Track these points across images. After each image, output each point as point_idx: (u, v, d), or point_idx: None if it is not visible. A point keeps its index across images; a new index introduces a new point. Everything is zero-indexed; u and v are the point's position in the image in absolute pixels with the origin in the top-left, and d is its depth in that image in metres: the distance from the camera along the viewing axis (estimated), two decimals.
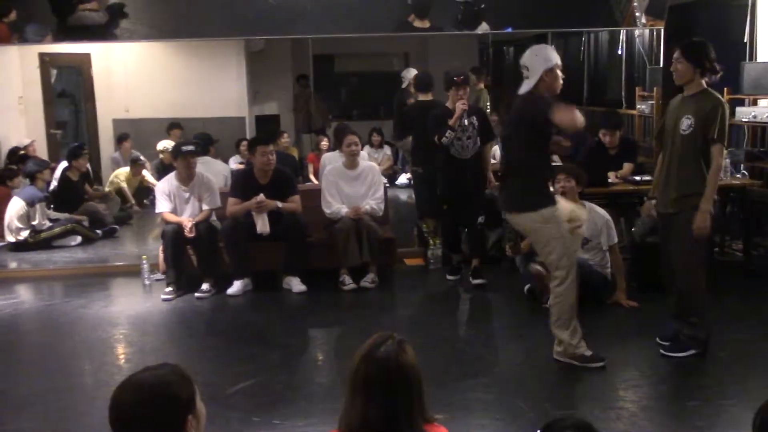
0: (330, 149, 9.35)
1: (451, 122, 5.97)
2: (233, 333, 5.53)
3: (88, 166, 9.22)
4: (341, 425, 2.09)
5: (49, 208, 8.25)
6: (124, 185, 9.66)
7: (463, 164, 6.16)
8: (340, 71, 14.27)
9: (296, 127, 12.19)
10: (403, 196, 10.11)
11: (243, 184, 6.41)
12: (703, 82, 4.42)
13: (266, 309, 6.02)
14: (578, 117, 4.25)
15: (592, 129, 6.83)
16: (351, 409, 2.06)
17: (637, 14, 7.31)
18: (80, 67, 10.78)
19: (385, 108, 12.87)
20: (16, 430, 3.98)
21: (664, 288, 4.83)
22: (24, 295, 6.63)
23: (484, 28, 7.36)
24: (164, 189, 6.44)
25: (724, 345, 4.77)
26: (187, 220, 6.27)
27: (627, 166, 6.76)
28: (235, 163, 9.43)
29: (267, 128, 10.49)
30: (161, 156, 9.89)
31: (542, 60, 4.39)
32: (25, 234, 7.83)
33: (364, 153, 7.90)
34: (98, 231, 8.39)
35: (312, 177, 9.75)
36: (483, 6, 7.07)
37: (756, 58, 7.13)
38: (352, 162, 6.64)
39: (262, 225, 6.21)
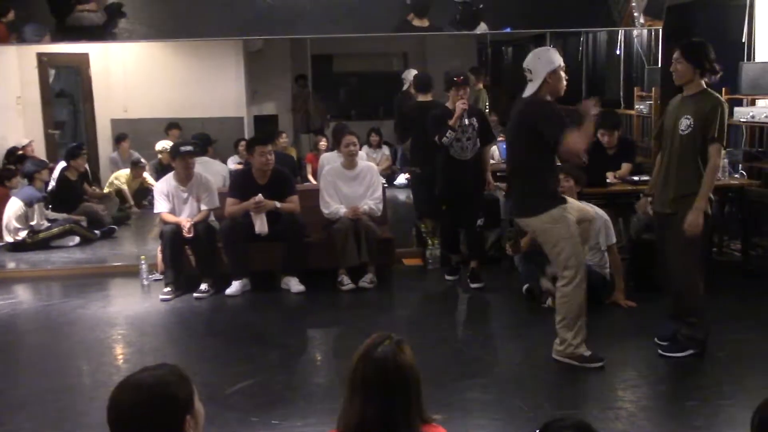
0: (328, 149, 9.35)
1: (451, 122, 5.97)
2: (232, 333, 5.53)
3: (87, 166, 9.22)
4: (339, 425, 2.09)
5: (47, 209, 8.24)
6: (124, 187, 9.65)
7: (462, 165, 6.16)
8: (338, 71, 14.28)
9: (295, 127, 12.20)
10: (402, 196, 10.12)
11: (241, 185, 6.41)
12: (703, 82, 4.43)
13: (265, 309, 6.02)
14: (584, 146, 4.31)
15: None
16: (349, 409, 2.06)
17: (635, 14, 7.32)
18: (78, 67, 10.78)
19: (384, 108, 12.88)
20: (15, 431, 3.97)
21: (661, 288, 4.84)
22: (22, 295, 6.62)
23: (482, 28, 7.37)
24: (163, 189, 6.43)
25: (723, 345, 4.77)
26: (185, 220, 6.26)
27: (625, 166, 6.77)
28: (233, 163, 9.42)
29: (265, 128, 10.50)
30: (160, 156, 9.89)
31: (545, 62, 4.40)
32: (23, 234, 7.83)
33: (363, 153, 7.90)
34: (96, 231, 8.39)
35: (310, 177, 9.76)
36: (481, 6, 7.07)
37: (754, 58, 7.14)
38: (350, 162, 6.64)
39: (261, 225, 6.21)
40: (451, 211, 6.44)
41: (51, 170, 8.80)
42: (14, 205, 7.80)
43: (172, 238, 6.22)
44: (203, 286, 6.26)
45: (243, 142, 9.03)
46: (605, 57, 10.60)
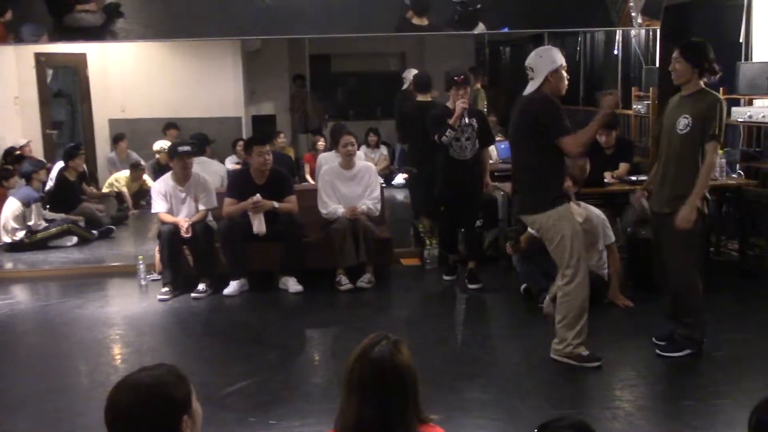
0: (326, 149, 9.35)
1: (451, 121, 5.96)
2: (230, 333, 5.53)
3: (84, 166, 9.21)
4: (337, 425, 2.09)
5: (44, 209, 8.24)
6: (124, 190, 9.63)
7: (461, 165, 6.14)
8: (336, 71, 14.28)
9: (293, 127, 12.20)
10: (400, 196, 10.12)
11: (239, 184, 6.41)
12: (702, 82, 4.43)
13: (263, 309, 6.02)
14: (582, 148, 4.33)
15: None
16: (346, 409, 2.06)
17: (633, 14, 7.32)
18: (76, 67, 10.77)
19: (382, 108, 12.89)
20: (12, 431, 3.97)
21: (659, 287, 4.84)
22: (20, 295, 6.62)
23: (480, 28, 7.37)
24: (160, 189, 6.43)
25: (720, 345, 4.78)
26: (183, 220, 6.26)
27: (623, 166, 6.77)
28: (231, 163, 9.42)
29: (263, 128, 10.50)
30: (157, 156, 9.88)
31: (547, 61, 4.40)
32: (21, 234, 7.82)
33: (361, 153, 7.90)
34: (94, 231, 8.38)
35: (308, 177, 9.76)
36: (479, 6, 7.07)
37: (752, 58, 7.14)
38: (348, 162, 6.64)
39: (259, 225, 6.20)
40: (450, 211, 6.43)
41: (48, 170, 8.79)
42: (12, 206, 7.79)
43: (170, 238, 6.22)
44: (201, 286, 6.25)
45: (241, 142, 9.02)
46: (603, 57, 10.61)
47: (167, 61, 10.88)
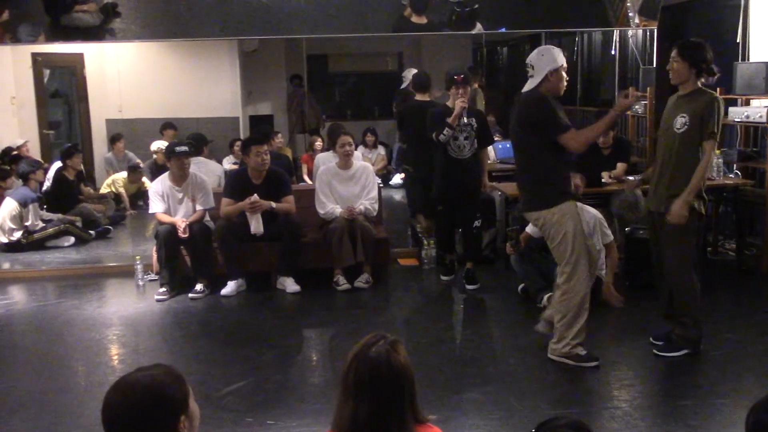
0: (324, 149, 9.35)
1: (450, 120, 5.97)
2: (227, 333, 5.52)
3: (81, 165, 9.20)
4: (333, 426, 2.09)
5: (42, 209, 8.23)
6: (122, 190, 9.62)
7: (460, 164, 6.14)
8: (333, 71, 14.27)
9: (290, 127, 12.18)
10: (397, 196, 10.12)
11: (237, 185, 6.40)
12: (699, 82, 4.43)
13: (260, 309, 6.02)
14: (582, 144, 4.35)
15: None
16: (343, 410, 2.06)
17: (630, 15, 7.34)
18: (73, 67, 10.75)
19: (380, 108, 12.89)
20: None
21: (655, 287, 4.85)
22: (17, 296, 6.60)
23: (478, 28, 7.38)
24: (158, 189, 6.43)
25: (717, 344, 4.79)
26: (180, 220, 6.26)
27: (620, 166, 6.78)
28: (228, 163, 9.41)
29: (261, 128, 10.48)
30: (155, 156, 9.87)
31: (548, 60, 4.41)
32: (18, 235, 7.81)
33: (358, 153, 7.90)
34: (91, 232, 8.37)
35: (306, 177, 9.75)
36: (476, 6, 7.08)
37: (749, 58, 7.15)
38: (345, 162, 6.64)
39: (256, 225, 6.20)
40: (448, 211, 6.42)
41: (46, 171, 8.78)
42: (9, 206, 7.78)
43: (168, 238, 6.21)
44: (198, 287, 6.25)
45: (238, 143, 9.02)
46: (600, 57, 10.61)
47: (164, 61, 10.86)
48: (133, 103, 10.82)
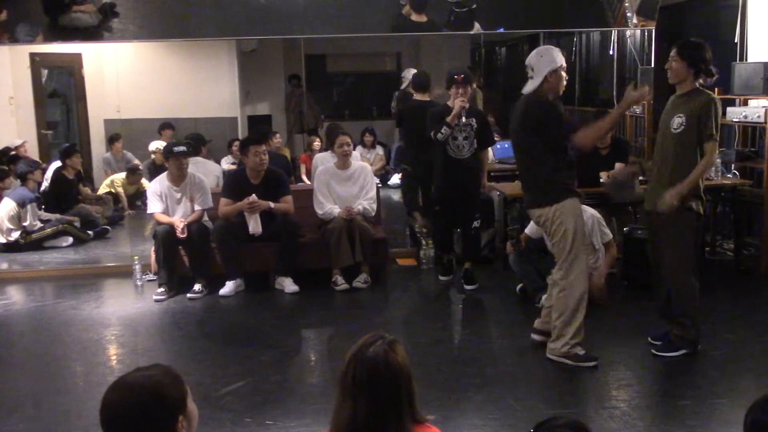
0: (322, 149, 9.34)
1: (448, 119, 5.96)
2: (225, 334, 5.52)
3: (80, 166, 9.20)
4: (332, 426, 2.09)
5: (40, 209, 8.22)
6: (120, 191, 9.61)
7: (458, 164, 6.13)
8: (332, 71, 14.26)
9: (288, 127, 12.17)
10: (396, 196, 10.10)
11: (235, 185, 6.40)
12: (697, 83, 4.43)
13: (258, 310, 6.01)
14: (592, 141, 4.36)
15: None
16: (340, 409, 2.05)
17: (628, 15, 7.34)
18: (71, 67, 10.73)
19: (378, 108, 12.88)
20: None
21: (653, 287, 4.85)
22: (15, 296, 6.60)
23: (476, 28, 7.37)
24: (156, 189, 6.42)
25: (716, 344, 4.79)
26: (178, 220, 6.25)
27: (618, 166, 6.76)
28: (227, 163, 9.40)
29: (259, 128, 10.47)
30: (153, 156, 9.86)
31: (547, 61, 4.42)
32: (16, 235, 7.80)
33: (357, 153, 7.89)
34: (90, 232, 8.37)
35: (304, 177, 9.74)
36: (474, 6, 7.08)
37: (747, 58, 7.15)
38: (344, 162, 6.64)
39: (255, 225, 6.20)
40: (447, 211, 6.41)
41: (44, 171, 8.77)
42: (7, 206, 7.78)
43: (166, 238, 6.21)
44: (197, 287, 6.25)
45: (237, 143, 9.01)
46: (598, 57, 10.62)
47: (163, 61, 10.85)
48: (131, 103, 10.79)
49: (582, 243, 4.46)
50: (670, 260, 4.54)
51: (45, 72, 10.41)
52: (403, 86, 8.67)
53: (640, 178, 5.87)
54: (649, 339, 4.78)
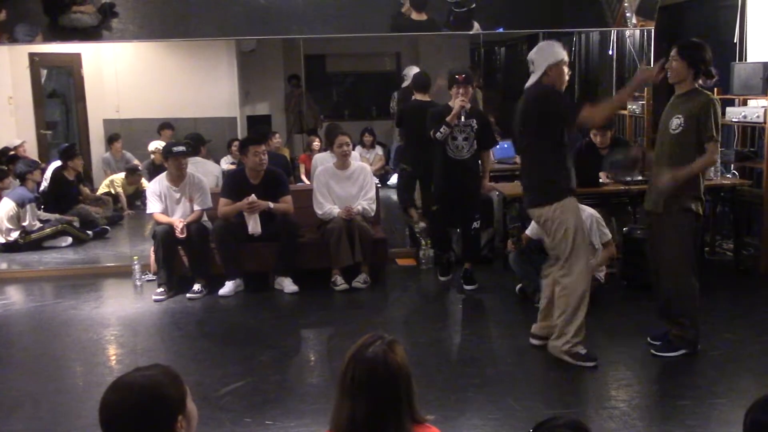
0: (321, 150, 9.34)
1: (448, 119, 5.96)
2: (225, 334, 5.52)
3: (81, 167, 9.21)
4: (331, 426, 2.09)
5: (39, 209, 8.22)
6: (120, 191, 9.61)
7: (458, 164, 6.11)
8: (331, 71, 14.26)
9: (288, 127, 12.17)
10: (395, 196, 10.08)
11: (234, 185, 6.40)
12: (697, 84, 4.43)
13: (258, 310, 6.01)
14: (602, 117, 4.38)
15: (582, 129, 6.85)
16: (340, 410, 2.05)
17: (627, 15, 7.34)
18: (71, 67, 10.73)
19: (377, 108, 12.87)
20: None
21: (652, 287, 4.85)
22: (14, 296, 6.60)
23: (476, 28, 7.37)
24: (155, 189, 6.42)
25: (715, 344, 4.79)
26: (178, 220, 6.25)
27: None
28: (226, 163, 9.40)
29: (258, 128, 10.47)
30: (152, 156, 9.86)
31: (547, 55, 4.43)
32: (15, 235, 7.80)
33: (356, 153, 7.89)
34: (89, 232, 8.37)
35: (303, 177, 9.74)
36: (473, 6, 7.07)
37: (746, 58, 7.15)
38: (343, 162, 6.64)
39: (254, 225, 6.20)
40: (446, 211, 6.40)
41: (43, 171, 8.77)
42: (6, 206, 7.77)
43: (165, 238, 6.21)
44: (196, 287, 6.24)
45: (236, 143, 9.00)
46: (598, 57, 10.61)
47: (162, 61, 10.85)
48: (130, 103, 10.78)
49: (583, 241, 4.47)
50: (670, 260, 4.54)
51: (44, 72, 10.41)
52: (405, 84, 8.67)
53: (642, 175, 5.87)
54: (649, 339, 4.78)
